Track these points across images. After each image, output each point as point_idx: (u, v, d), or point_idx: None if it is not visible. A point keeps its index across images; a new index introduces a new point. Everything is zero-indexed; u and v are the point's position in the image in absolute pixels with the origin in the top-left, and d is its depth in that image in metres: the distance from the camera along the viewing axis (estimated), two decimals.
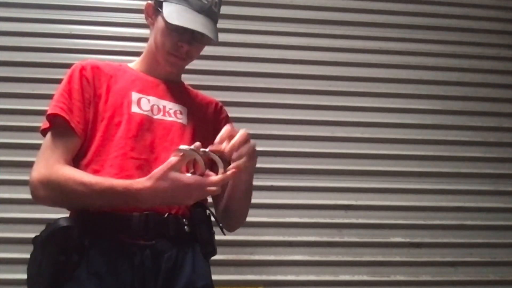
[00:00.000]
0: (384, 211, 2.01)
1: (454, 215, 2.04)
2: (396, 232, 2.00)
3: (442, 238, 2.01)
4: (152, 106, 1.22)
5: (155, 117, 1.21)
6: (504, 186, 2.10)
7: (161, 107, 1.23)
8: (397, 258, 1.97)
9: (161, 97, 1.25)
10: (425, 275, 1.96)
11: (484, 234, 2.04)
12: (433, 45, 2.23)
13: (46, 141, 1.16)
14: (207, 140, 1.25)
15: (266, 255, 1.91)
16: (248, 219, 1.91)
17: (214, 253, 1.20)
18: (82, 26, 2.05)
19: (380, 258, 1.96)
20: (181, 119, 1.25)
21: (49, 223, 1.07)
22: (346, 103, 2.11)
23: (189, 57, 1.29)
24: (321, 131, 2.07)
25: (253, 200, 1.94)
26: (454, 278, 1.97)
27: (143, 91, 1.23)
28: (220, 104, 1.40)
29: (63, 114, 1.14)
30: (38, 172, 1.09)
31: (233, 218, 1.31)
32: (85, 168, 1.12)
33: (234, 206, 1.27)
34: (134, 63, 1.34)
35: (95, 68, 1.21)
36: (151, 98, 1.23)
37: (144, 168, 1.13)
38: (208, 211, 1.22)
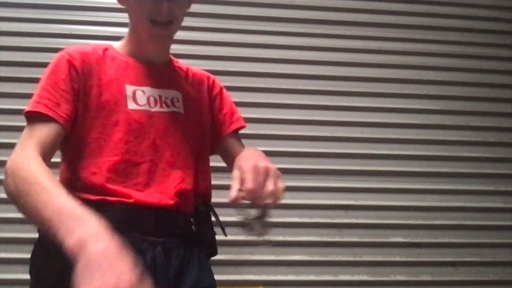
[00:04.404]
0: (384, 211, 2.01)
1: (454, 215, 2.04)
2: (396, 232, 2.00)
3: (442, 238, 2.01)
4: (148, 98, 1.15)
5: (153, 110, 1.14)
6: (504, 186, 2.10)
7: (157, 97, 1.16)
8: (397, 258, 1.97)
9: (155, 86, 1.18)
10: (425, 275, 1.96)
11: (484, 234, 2.04)
12: (433, 45, 2.23)
13: (26, 129, 1.06)
14: (204, 126, 1.21)
15: (266, 255, 1.91)
16: None
17: (215, 254, 1.19)
18: (82, 26, 2.05)
19: (380, 258, 1.96)
20: (179, 107, 1.19)
21: None
22: (346, 103, 2.11)
23: (174, 19, 1.16)
24: (321, 131, 2.07)
25: None
26: (454, 278, 1.97)
27: (136, 81, 1.16)
28: (212, 78, 1.33)
29: (49, 113, 1.04)
30: (10, 159, 0.99)
31: None
32: (82, 172, 1.06)
33: None
34: (120, 45, 1.24)
35: (84, 57, 1.13)
36: (145, 89, 1.16)
37: (152, 170, 1.09)
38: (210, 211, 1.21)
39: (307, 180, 2.01)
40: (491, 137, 2.16)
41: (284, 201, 1.99)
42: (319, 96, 2.10)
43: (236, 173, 0.92)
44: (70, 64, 1.10)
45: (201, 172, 1.20)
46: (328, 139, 2.06)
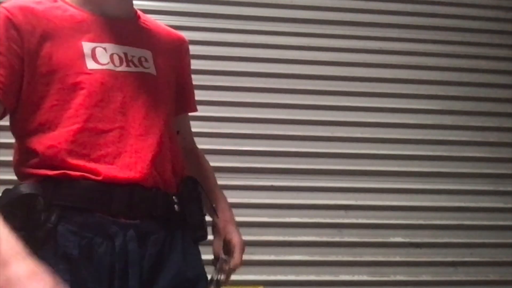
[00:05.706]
0: (384, 211, 2.01)
1: (454, 215, 2.04)
2: (396, 232, 2.00)
3: (442, 238, 2.01)
4: (111, 56, 0.96)
5: (118, 69, 0.96)
6: (504, 186, 2.10)
7: (122, 55, 0.98)
8: (397, 258, 1.97)
9: (119, 42, 0.99)
10: (425, 275, 1.96)
11: (484, 234, 2.04)
12: (433, 45, 2.23)
13: None
14: (173, 87, 1.07)
15: (266, 255, 1.90)
16: (248, 219, 1.93)
17: (205, 238, 1.03)
18: None
19: (380, 258, 1.96)
20: (148, 68, 1.01)
21: (7, 189, 0.88)
22: (346, 103, 2.11)
23: None
24: (321, 131, 2.07)
25: (253, 200, 1.96)
26: (454, 278, 1.97)
27: (95, 38, 0.96)
28: (187, 42, 1.20)
29: None
30: None
31: None
32: (38, 146, 0.90)
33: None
34: None
35: (25, 11, 0.92)
36: (107, 45, 0.97)
37: (121, 139, 0.92)
38: (200, 187, 1.04)
39: (307, 180, 2.01)
40: (491, 137, 2.16)
41: (284, 201, 2.00)
42: (319, 96, 2.10)
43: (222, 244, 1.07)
44: (8, 21, 0.90)
45: (175, 144, 1.03)
46: (328, 139, 2.06)
